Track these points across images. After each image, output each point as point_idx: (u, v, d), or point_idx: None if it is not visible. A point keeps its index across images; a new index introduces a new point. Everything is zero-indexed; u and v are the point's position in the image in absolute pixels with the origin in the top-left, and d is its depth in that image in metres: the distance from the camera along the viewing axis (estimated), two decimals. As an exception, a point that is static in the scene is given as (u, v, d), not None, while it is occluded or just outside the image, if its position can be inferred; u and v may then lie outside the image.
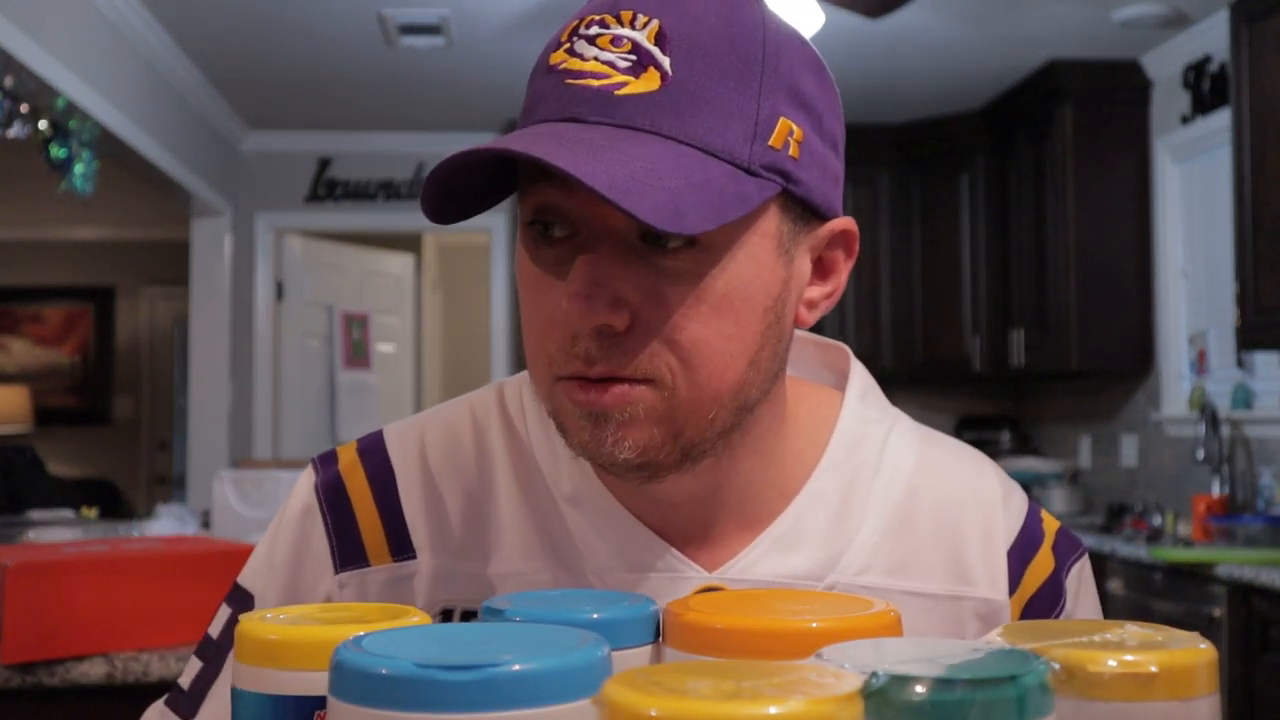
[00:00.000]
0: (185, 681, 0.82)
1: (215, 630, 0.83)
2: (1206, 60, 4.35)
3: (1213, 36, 4.23)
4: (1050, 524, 0.84)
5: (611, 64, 0.67)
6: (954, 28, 4.36)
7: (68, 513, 3.66)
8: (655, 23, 0.67)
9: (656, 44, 0.67)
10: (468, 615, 0.78)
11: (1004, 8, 4.18)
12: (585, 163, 0.62)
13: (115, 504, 7.70)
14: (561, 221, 0.69)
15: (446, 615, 0.79)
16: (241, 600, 0.84)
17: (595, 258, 0.67)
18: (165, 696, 0.85)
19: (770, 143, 0.68)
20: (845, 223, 0.76)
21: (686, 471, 0.73)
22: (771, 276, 0.70)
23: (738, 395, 0.71)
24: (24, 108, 3.53)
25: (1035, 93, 4.89)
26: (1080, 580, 0.84)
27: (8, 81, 3.42)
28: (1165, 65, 4.62)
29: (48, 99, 3.65)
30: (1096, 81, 4.74)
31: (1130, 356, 4.74)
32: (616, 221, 0.67)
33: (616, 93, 0.66)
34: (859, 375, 0.86)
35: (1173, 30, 4.39)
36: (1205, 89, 4.37)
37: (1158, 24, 4.31)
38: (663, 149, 0.65)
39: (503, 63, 4.73)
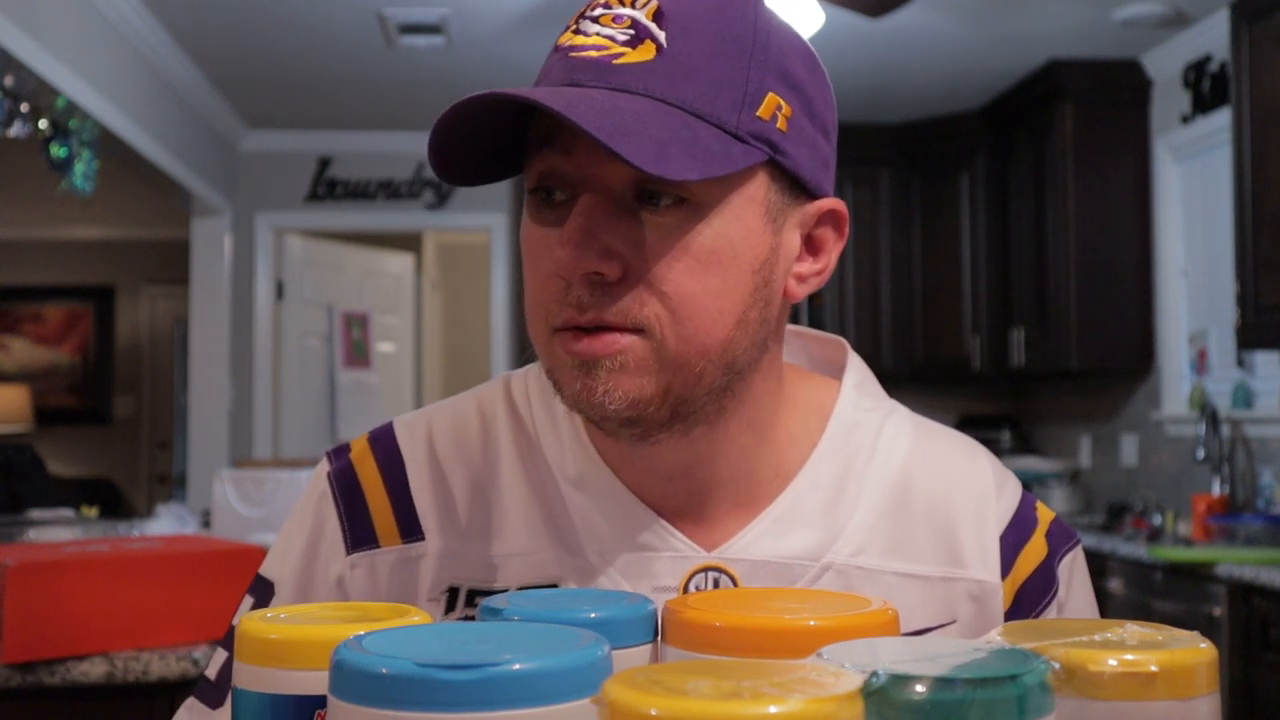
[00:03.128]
0: (212, 673, 0.85)
1: (238, 620, 0.85)
2: (1206, 60, 4.35)
3: (1213, 36, 4.23)
4: (1045, 514, 0.86)
5: (611, 38, 0.73)
6: (954, 27, 4.36)
7: (68, 512, 3.66)
8: (654, 3, 0.73)
9: (654, 21, 0.73)
10: (473, 593, 0.81)
11: (1004, 7, 4.18)
12: (578, 108, 0.67)
13: (115, 504, 7.70)
14: (562, 186, 0.74)
15: (452, 592, 0.82)
16: (262, 588, 0.86)
17: (588, 208, 0.71)
18: (194, 690, 0.87)
19: (758, 113, 0.72)
20: (834, 203, 0.79)
21: (679, 433, 0.76)
22: (759, 240, 0.74)
23: (725, 353, 0.74)
24: (24, 107, 3.53)
25: (1035, 92, 4.89)
26: (1073, 569, 0.85)
27: (8, 81, 3.42)
28: (1165, 65, 4.61)
29: (48, 98, 3.65)
30: (1096, 81, 4.73)
31: (1130, 356, 4.74)
32: (612, 180, 0.72)
33: (614, 61, 0.72)
34: (855, 366, 0.89)
35: (1173, 30, 4.39)
36: (1205, 89, 4.37)
37: (1158, 23, 4.31)
38: (653, 107, 0.70)
39: (503, 62, 4.73)
